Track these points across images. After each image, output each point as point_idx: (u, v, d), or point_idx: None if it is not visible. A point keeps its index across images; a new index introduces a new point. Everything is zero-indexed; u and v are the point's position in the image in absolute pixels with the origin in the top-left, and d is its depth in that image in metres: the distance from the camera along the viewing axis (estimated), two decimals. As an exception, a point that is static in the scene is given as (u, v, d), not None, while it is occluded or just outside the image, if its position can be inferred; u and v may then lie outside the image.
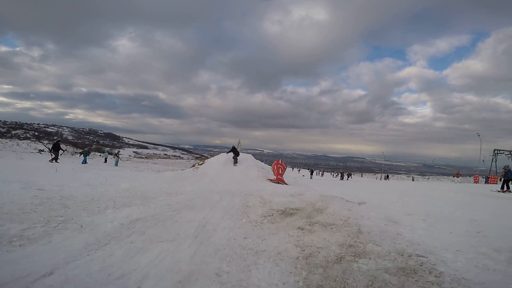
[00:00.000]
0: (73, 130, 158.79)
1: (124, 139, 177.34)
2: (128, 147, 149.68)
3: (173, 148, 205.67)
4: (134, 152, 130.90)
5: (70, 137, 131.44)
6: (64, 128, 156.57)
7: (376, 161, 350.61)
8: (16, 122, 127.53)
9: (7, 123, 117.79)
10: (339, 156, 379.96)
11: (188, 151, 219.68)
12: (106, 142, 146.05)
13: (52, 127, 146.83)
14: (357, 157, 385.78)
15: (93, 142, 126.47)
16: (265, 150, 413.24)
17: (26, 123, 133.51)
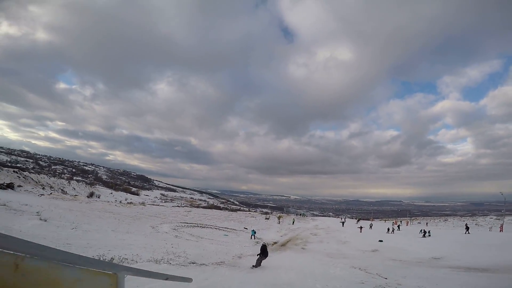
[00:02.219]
0: (108, 170, 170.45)
1: (154, 181, 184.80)
2: (157, 189, 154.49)
3: (200, 192, 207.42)
4: (161, 194, 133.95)
5: (104, 176, 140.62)
6: (100, 167, 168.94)
7: (414, 203, 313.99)
8: (59, 158, 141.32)
9: (52, 158, 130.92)
10: (373, 200, 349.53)
11: (214, 195, 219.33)
12: (137, 183, 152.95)
13: (90, 166, 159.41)
14: (393, 201, 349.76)
15: (124, 183, 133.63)
16: (291, 196, 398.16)
17: (68, 160, 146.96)
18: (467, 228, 24.02)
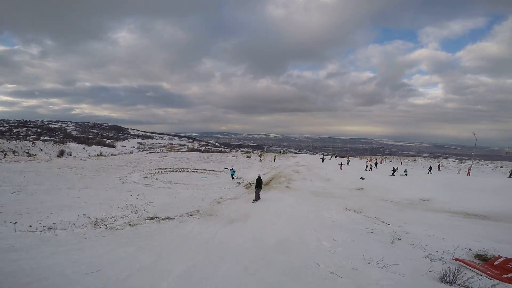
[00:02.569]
0: (77, 124, 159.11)
1: (129, 130, 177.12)
2: (133, 138, 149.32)
3: (179, 136, 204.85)
4: (138, 142, 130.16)
5: (74, 132, 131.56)
6: (68, 123, 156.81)
7: (384, 142, 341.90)
8: (20, 120, 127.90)
9: (11, 122, 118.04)
10: (346, 138, 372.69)
11: (194, 139, 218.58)
12: (110, 134, 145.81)
13: (56, 123, 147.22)
14: (365, 138, 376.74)
15: (97, 136, 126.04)
16: (271, 134, 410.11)
17: (29, 120, 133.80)
18: (430, 169, 25.99)
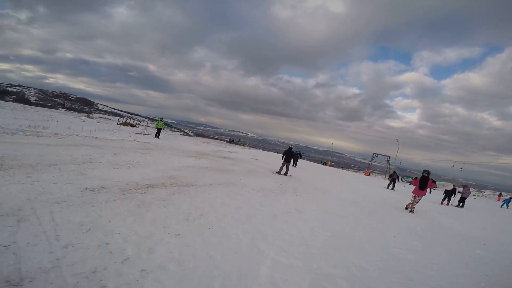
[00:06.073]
0: (40, 91, 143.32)
1: (98, 105, 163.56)
2: (99, 113, 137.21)
3: (152, 120, 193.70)
4: (100, 117, 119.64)
5: (34, 98, 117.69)
6: (30, 89, 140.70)
7: (355, 158, 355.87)
8: None
9: None
10: (321, 149, 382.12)
11: (168, 124, 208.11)
12: (74, 106, 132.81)
13: (17, 87, 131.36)
14: (337, 152, 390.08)
15: (58, 105, 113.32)
16: (249, 133, 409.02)
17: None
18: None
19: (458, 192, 13.23)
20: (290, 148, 11.19)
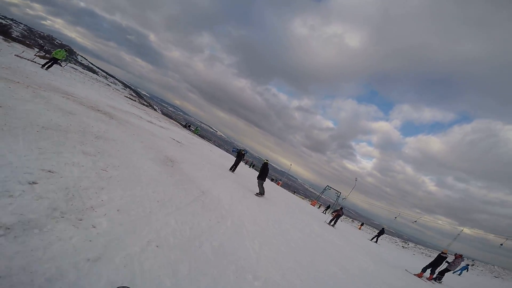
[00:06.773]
0: (28, 29, 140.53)
1: (78, 56, 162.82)
2: (74, 63, 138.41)
3: (126, 86, 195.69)
4: (72, 67, 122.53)
5: (17, 34, 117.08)
6: (21, 25, 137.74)
7: (305, 186, 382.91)
8: None
9: None
10: (278, 168, 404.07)
11: (140, 95, 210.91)
12: (52, 49, 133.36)
13: (8, 20, 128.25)
14: (292, 176, 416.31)
15: (38, 45, 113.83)
16: (218, 132, 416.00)
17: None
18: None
19: (446, 261, 9.91)
20: (266, 164, 9.51)
